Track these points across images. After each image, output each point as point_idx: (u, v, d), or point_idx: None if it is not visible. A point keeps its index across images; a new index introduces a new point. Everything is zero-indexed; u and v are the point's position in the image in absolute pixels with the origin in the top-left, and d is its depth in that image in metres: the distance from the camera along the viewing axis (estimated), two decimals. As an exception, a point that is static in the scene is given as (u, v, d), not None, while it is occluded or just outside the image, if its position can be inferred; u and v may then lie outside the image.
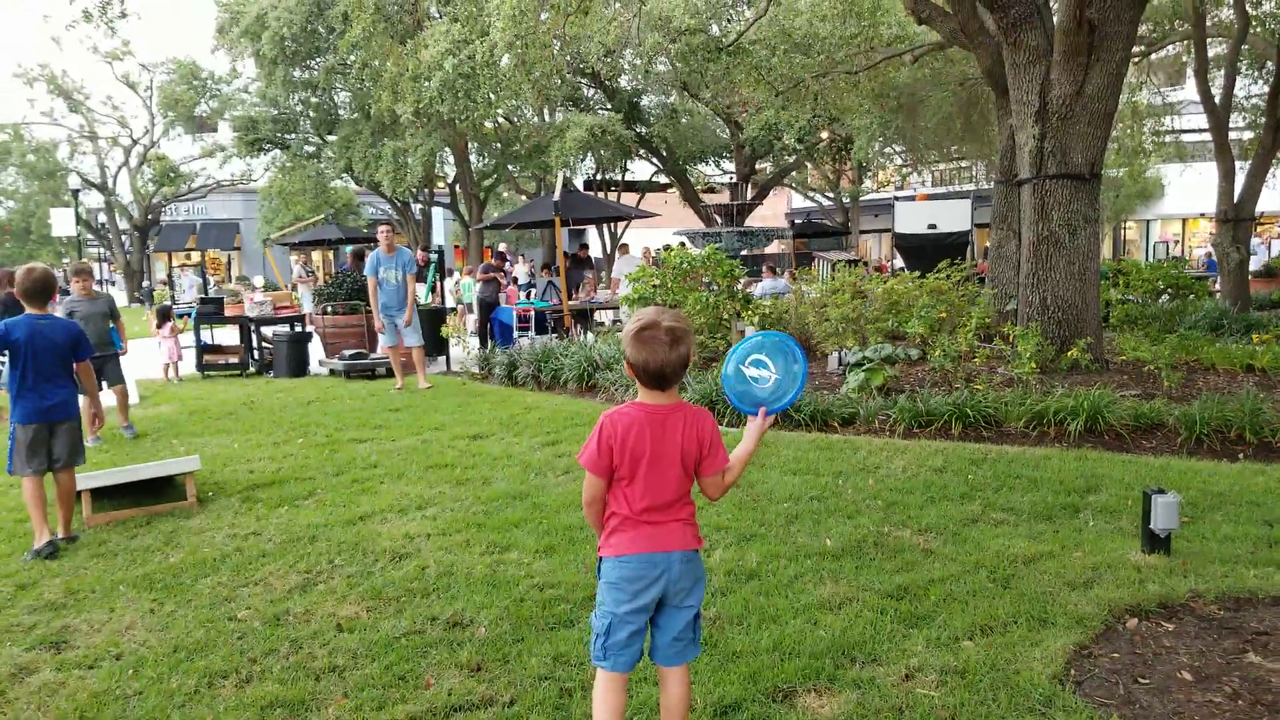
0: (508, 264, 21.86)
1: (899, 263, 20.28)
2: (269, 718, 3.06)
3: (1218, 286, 14.94)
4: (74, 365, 5.32)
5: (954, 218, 17.43)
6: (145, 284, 34.01)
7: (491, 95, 18.07)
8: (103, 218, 37.87)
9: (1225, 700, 2.96)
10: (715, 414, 7.39)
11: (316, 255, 33.91)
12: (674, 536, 2.54)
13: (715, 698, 3.04)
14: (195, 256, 39.82)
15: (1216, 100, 13.72)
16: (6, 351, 5.05)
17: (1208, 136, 14.32)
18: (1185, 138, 22.75)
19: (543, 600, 3.92)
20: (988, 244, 15.44)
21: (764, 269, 16.49)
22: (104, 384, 8.14)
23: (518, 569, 4.33)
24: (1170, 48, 17.31)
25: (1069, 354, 8.07)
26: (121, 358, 8.38)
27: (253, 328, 12.94)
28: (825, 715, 2.93)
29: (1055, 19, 8.77)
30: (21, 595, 4.30)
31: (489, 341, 13.48)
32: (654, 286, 9.92)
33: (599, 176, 26.66)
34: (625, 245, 18.76)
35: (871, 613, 3.67)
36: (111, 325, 8.18)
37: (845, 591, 3.90)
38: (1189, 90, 16.42)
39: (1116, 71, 8.40)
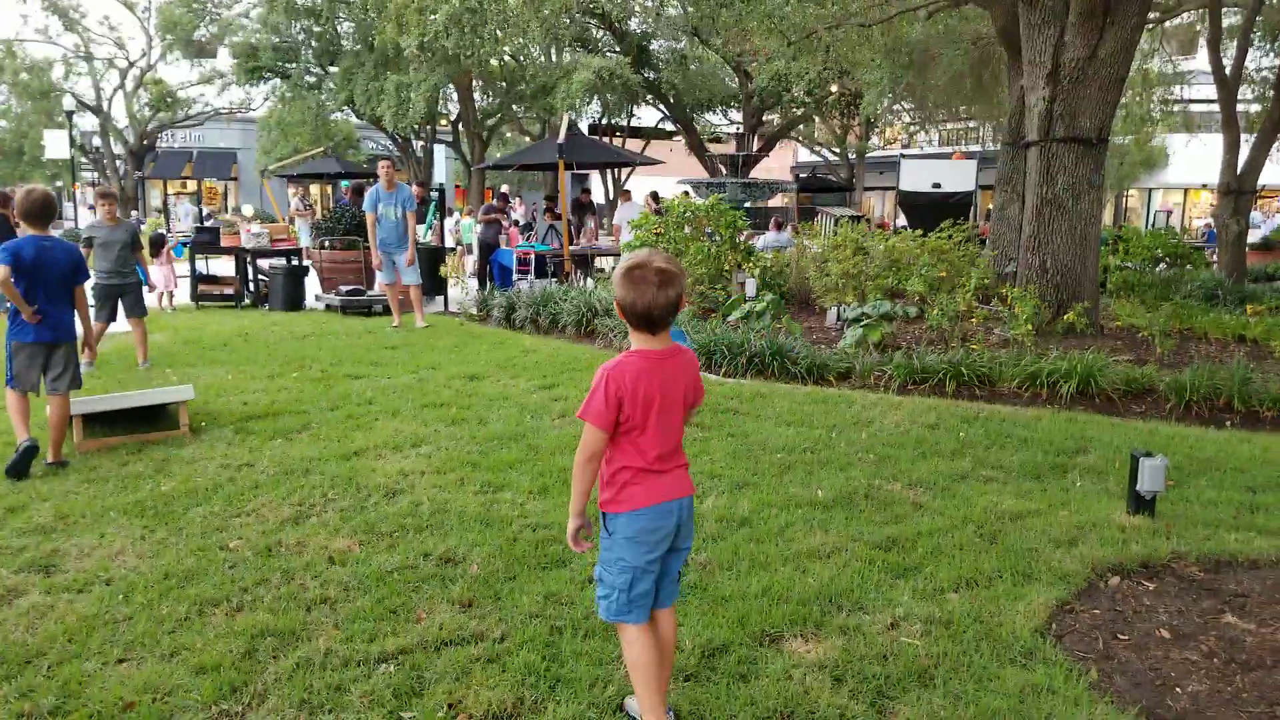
0: (509, 206, 21.65)
1: (901, 221, 20.16)
2: (259, 646, 3.09)
3: (1214, 257, 14.94)
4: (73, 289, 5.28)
5: (959, 178, 17.31)
6: (134, 213, 33.56)
7: (498, 32, 17.75)
8: (97, 141, 37.25)
9: (1201, 658, 3.02)
10: (710, 364, 7.40)
11: (315, 189, 33.50)
12: (679, 483, 2.55)
13: (704, 640, 3.08)
14: (191, 185, 39.35)
15: (1227, 71, 13.56)
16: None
17: (1215, 107, 14.17)
18: (1192, 108, 22.55)
19: (535, 540, 3.96)
20: (990, 206, 15.35)
21: (771, 222, 16.37)
22: (111, 315, 8.08)
23: (511, 509, 4.36)
24: (1185, 15, 17.05)
25: (1065, 317, 8.09)
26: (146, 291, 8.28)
27: (249, 259, 12.85)
28: (811, 660, 2.98)
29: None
30: (11, 518, 4.31)
31: (488, 283, 13.42)
32: (656, 234, 9.87)
33: (604, 121, 26.32)
34: (627, 191, 18.54)
35: (860, 562, 3.72)
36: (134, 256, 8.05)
37: (835, 541, 3.94)
38: (1199, 60, 16.22)
39: (1130, 36, 8.30)
